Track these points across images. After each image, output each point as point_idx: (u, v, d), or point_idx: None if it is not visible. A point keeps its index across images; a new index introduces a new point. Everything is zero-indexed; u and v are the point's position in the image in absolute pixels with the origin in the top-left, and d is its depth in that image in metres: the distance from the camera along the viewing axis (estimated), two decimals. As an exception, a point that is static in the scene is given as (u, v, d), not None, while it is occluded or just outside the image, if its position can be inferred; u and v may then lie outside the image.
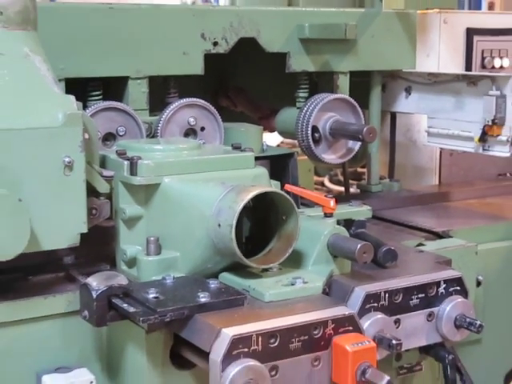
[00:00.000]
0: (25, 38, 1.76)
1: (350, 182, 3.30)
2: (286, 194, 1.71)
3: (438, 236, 2.34)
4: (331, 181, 4.23)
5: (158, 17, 2.35)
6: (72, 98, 1.76)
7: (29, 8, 1.77)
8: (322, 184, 4.24)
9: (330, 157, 2.58)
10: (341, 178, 3.95)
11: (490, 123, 2.44)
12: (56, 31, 2.07)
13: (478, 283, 2.29)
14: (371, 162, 2.90)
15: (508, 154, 2.49)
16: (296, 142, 2.83)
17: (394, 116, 3.00)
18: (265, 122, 2.73)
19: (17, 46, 1.73)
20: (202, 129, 2.35)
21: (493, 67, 3.17)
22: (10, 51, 1.72)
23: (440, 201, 2.83)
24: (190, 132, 2.34)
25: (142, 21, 2.32)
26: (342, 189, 3.55)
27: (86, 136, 1.72)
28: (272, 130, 2.83)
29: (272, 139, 3.26)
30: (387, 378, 1.53)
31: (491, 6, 11.91)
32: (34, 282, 1.80)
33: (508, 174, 3.25)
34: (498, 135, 2.46)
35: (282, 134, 2.85)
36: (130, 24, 2.29)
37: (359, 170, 3.65)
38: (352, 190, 3.29)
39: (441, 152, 3.06)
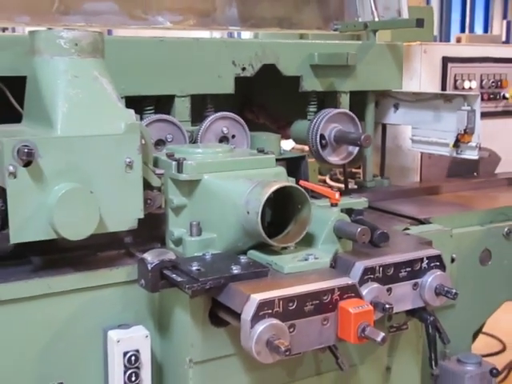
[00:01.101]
0: (94, 64, 1.76)
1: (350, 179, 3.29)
2: (300, 188, 1.71)
3: (421, 222, 2.33)
4: (331, 179, 4.21)
5: (198, 47, 2.35)
6: (132, 111, 1.77)
7: (97, 40, 1.78)
8: (324, 181, 4.22)
9: (334, 159, 2.58)
10: (339, 176, 3.92)
11: (462, 132, 2.44)
12: (119, 58, 2.08)
13: (452, 260, 2.28)
14: (366, 163, 2.89)
15: (476, 157, 2.49)
16: (305, 147, 2.85)
17: (384, 127, 2.99)
18: (282, 131, 2.73)
19: (88, 70, 1.74)
20: (233, 136, 2.36)
21: (463, 88, 3.15)
22: (83, 74, 1.73)
23: (421, 194, 2.82)
24: (223, 139, 2.34)
25: (186, 51, 2.32)
26: (341, 185, 3.53)
27: (143, 141, 1.73)
28: (287, 138, 2.83)
29: (286, 145, 3.24)
30: (382, 334, 1.53)
31: (458, 40, 11.90)
32: (101, 257, 1.81)
33: (475, 174, 3.23)
34: (468, 142, 2.46)
35: (295, 140, 2.85)
36: (176, 53, 2.30)
37: (354, 170, 3.63)
38: (349, 185, 3.27)
39: (421, 155, 3.05)
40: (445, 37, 17.74)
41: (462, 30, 18.26)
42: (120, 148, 1.68)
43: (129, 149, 1.69)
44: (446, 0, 18.55)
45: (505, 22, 21.23)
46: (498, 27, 20.92)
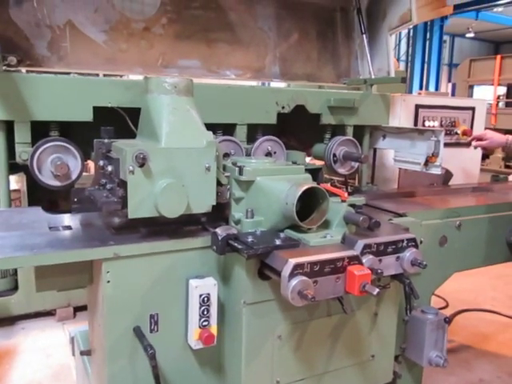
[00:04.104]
0: (187, 101, 1.75)
1: (342, 185, 3.25)
2: (322, 188, 1.69)
3: (400, 215, 2.27)
4: (331, 185, 4.15)
5: (253, 92, 2.36)
6: (210, 133, 1.76)
7: (189, 84, 1.77)
8: (326, 187, 4.17)
9: (342, 170, 2.56)
10: (337, 184, 3.85)
11: (430, 155, 2.40)
12: (202, 97, 2.05)
13: (421, 242, 2.21)
14: (362, 174, 2.86)
15: (439, 173, 2.44)
16: (316, 161, 2.82)
17: (375, 150, 2.96)
18: (305, 151, 2.70)
19: (183, 104, 1.73)
20: (275, 152, 2.34)
21: (429, 126, 3.09)
22: (180, 107, 1.72)
23: (399, 197, 2.75)
24: (268, 154, 2.33)
25: (245, 94, 2.32)
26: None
27: (217, 153, 1.71)
28: (309, 155, 2.80)
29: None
30: (377, 289, 1.50)
31: (420, 94, 11.67)
32: (186, 230, 1.79)
33: (435, 184, 3.16)
34: (434, 162, 2.42)
35: (315, 157, 2.82)
36: (239, 95, 2.30)
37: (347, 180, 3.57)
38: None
39: (399, 170, 3.00)
40: (408, 91, 17.53)
41: (420, 87, 18.00)
42: (202, 157, 1.67)
43: (208, 157, 1.67)
44: (410, 67, 18.37)
45: (450, 84, 21.15)
46: (444, 87, 20.87)
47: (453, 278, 2.53)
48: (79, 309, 4.02)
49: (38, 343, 3.65)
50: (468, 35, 20.82)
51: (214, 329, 1.69)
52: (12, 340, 3.68)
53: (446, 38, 20.50)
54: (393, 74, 2.87)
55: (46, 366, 3.36)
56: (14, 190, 3.70)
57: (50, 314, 4.02)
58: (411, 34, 18.53)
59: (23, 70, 2.22)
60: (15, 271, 3.82)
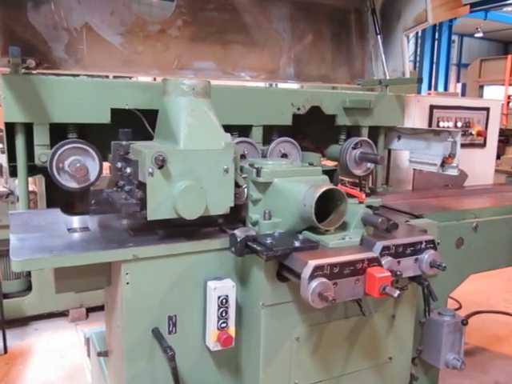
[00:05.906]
0: (205, 102, 1.75)
1: (354, 186, 3.22)
2: (340, 190, 1.68)
3: (416, 217, 2.26)
4: (342, 185, 4.12)
5: (269, 93, 2.34)
6: (228, 134, 1.76)
7: (207, 86, 1.77)
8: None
9: (357, 171, 2.54)
10: (347, 185, 3.82)
11: (447, 156, 2.37)
12: (218, 99, 2.03)
13: (438, 244, 2.20)
14: (377, 175, 2.84)
15: (456, 174, 2.42)
16: (327, 162, 2.80)
17: (389, 151, 2.93)
18: (321, 152, 2.68)
19: (201, 106, 1.73)
20: (290, 154, 2.33)
21: (443, 127, 3.07)
22: (198, 109, 1.72)
23: (414, 198, 2.75)
24: (283, 155, 2.32)
25: (260, 95, 2.31)
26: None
27: (234, 155, 1.71)
28: (324, 157, 2.78)
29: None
30: (398, 291, 1.49)
31: (429, 94, 11.65)
32: (204, 231, 1.79)
33: (449, 185, 3.13)
34: (451, 163, 2.39)
35: (330, 159, 2.79)
36: (254, 97, 2.29)
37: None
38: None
39: (414, 171, 2.97)
40: (417, 92, 17.43)
41: (429, 88, 17.88)
42: (220, 159, 1.66)
43: (226, 159, 1.67)
44: (419, 67, 18.29)
45: (459, 84, 21.04)
46: (453, 87, 20.76)
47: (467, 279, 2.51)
48: (92, 310, 4.05)
49: (51, 344, 3.67)
50: (477, 35, 20.70)
51: (232, 331, 1.69)
52: (25, 341, 3.70)
53: (454, 37, 20.38)
54: (408, 75, 2.86)
55: (60, 366, 3.38)
56: (30, 192, 3.72)
57: (62, 314, 4.05)
58: (419, 34, 18.43)
59: (34, 72, 2.23)
60: (29, 272, 3.85)
